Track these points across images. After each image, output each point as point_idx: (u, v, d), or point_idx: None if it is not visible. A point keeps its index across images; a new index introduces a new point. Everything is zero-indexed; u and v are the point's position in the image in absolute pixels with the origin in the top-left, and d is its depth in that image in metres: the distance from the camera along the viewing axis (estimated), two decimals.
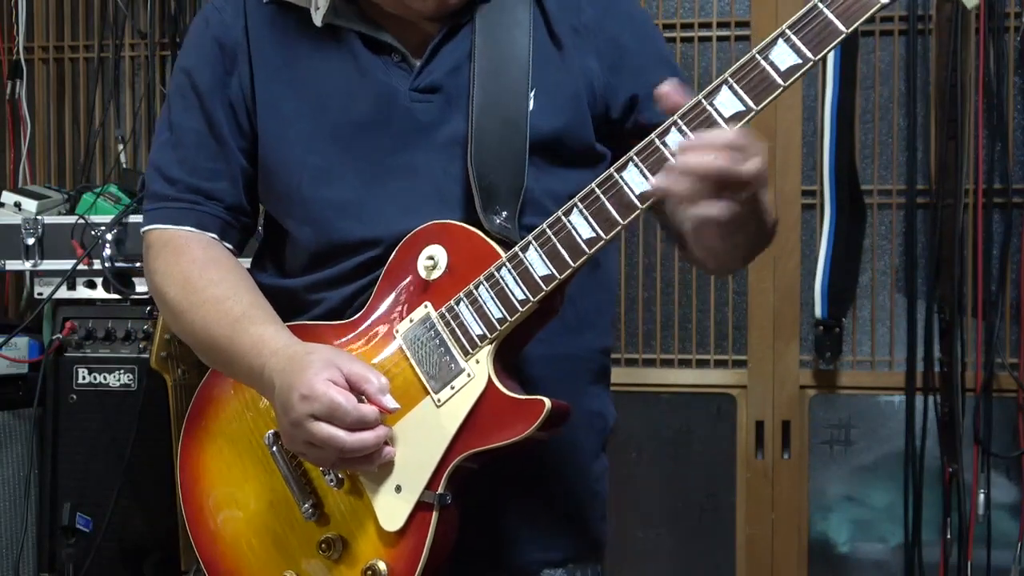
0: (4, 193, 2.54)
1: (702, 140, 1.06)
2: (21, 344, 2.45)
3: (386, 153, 1.30)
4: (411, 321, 1.24)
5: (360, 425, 1.15)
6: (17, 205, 2.49)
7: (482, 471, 1.22)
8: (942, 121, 2.53)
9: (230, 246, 1.39)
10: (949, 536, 2.52)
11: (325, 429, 1.15)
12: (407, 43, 1.33)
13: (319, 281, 1.33)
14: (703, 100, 1.09)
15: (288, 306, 1.33)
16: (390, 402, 1.18)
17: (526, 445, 1.16)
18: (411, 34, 1.33)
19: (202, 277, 1.33)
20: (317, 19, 1.32)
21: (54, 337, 2.37)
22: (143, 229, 1.41)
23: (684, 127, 1.10)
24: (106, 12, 2.95)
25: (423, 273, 1.24)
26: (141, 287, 2.32)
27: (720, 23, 2.68)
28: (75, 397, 2.37)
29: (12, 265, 2.44)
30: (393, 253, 1.27)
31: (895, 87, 2.61)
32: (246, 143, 1.37)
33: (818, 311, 2.58)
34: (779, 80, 1.07)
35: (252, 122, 1.36)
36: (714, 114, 1.09)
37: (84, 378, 2.36)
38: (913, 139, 2.56)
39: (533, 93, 1.29)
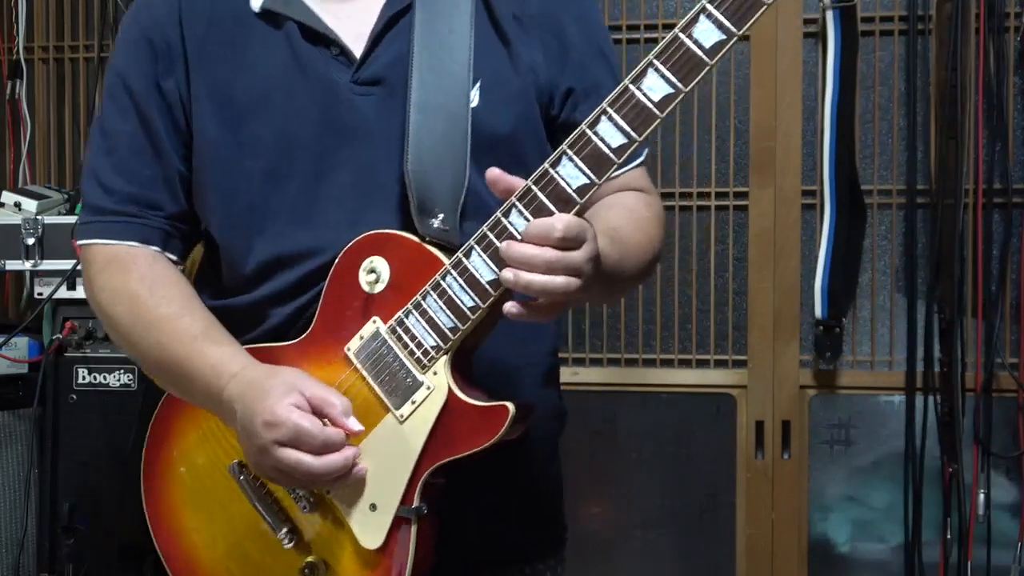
0: (4, 193, 2.54)
1: (533, 232, 1.07)
2: (21, 344, 2.46)
3: (330, 151, 1.26)
4: (361, 338, 1.20)
5: (326, 448, 1.14)
6: (17, 205, 2.49)
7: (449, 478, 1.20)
8: (942, 121, 2.53)
9: (174, 257, 1.34)
10: (949, 536, 2.52)
11: (292, 455, 1.13)
12: (346, 32, 1.27)
13: (265, 298, 1.28)
14: (630, 85, 1.07)
15: (233, 325, 1.28)
16: (354, 424, 1.16)
17: (494, 448, 1.15)
18: (351, 23, 1.28)
19: (153, 295, 1.28)
20: (256, 4, 1.28)
21: (54, 337, 2.37)
22: (81, 242, 1.34)
23: (615, 115, 1.08)
24: (106, 12, 2.95)
25: (366, 287, 1.20)
26: None
27: None
28: (75, 397, 2.37)
29: (12, 265, 2.44)
30: (332, 268, 1.22)
31: (895, 87, 2.61)
32: (184, 147, 1.32)
33: (818, 311, 2.58)
34: (705, 58, 1.05)
35: (190, 124, 1.30)
36: (643, 99, 1.07)
37: (84, 378, 2.36)
38: (913, 139, 2.56)
39: (477, 88, 1.25)
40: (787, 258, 2.63)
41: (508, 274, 1.08)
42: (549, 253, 1.07)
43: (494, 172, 1.11)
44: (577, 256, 1.08)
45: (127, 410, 2.30)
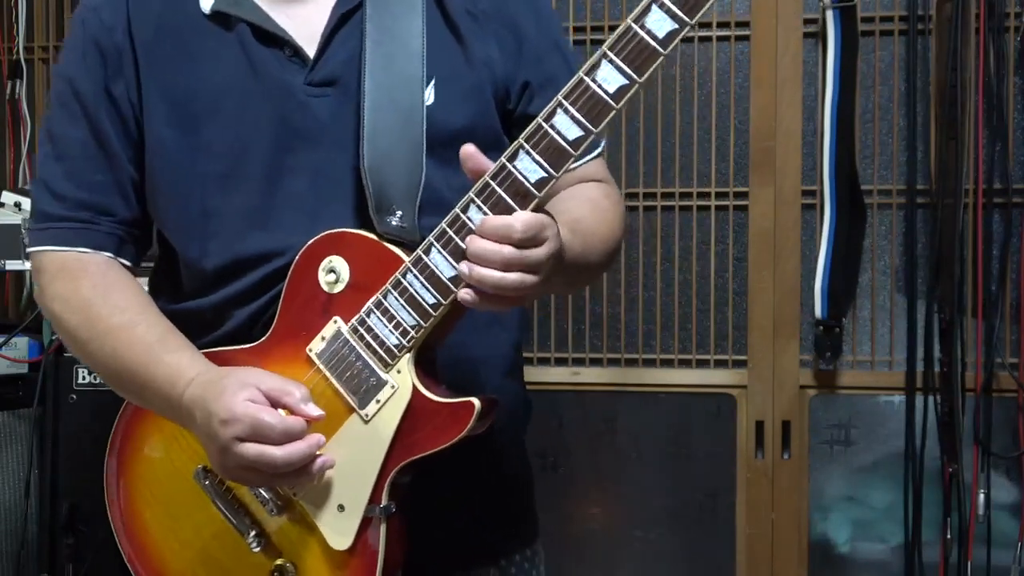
0: (4, 193, 2.54)
1: (493, 228, 1.07)
2: (21, 344, 2.46)
3: (285, 153, 1.24)
4: (323, 339, 1.19)
5: (288, 438, 1.12)
6: (17, 205, 2.49)
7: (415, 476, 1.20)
8: (942, 121, 2.53)
9: (127, 262, 1.32)
10: (949, 536, 2.52)
11: (253, 448, 1.11)
12: (298, 33, 1.26)
13: (225, 300, 1.26)
14: (585, 77, 1.07)
15: (192, 328, 1.27)
16: (313, 410, 1.15)
17: (461, 443, 1.15)
18: (303, 24, 1.26)
19: (106, 303, 1.26)
20: (206, 6, 1.26)
21: (54, 337, 2.37)
22: (31, 250, 1.32)
23: (570, 108, 1.07)
24: None
25: (326, 287, 1.19)
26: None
27: (720, 23, 2.67)
28: (75, 397, 2.37)
29: (12, 265, 2.44)
30: (291, 268, 1.21)
31: (895, 87, 2.61)
32: (135, 152, 1.29)
33: (818, 311, 2.58)
34: (659, 48, 1.05)
35: (141, 129, 1.28)
36: (598, 91, 1.06)
37: (84, 378, 2.36)
38: (913, 139, 2.56)
39: (432, 85, 1.24)
40: (787, 258, 2.63)
41: (464, 267, 1.09)
42: (507, 251, 1.07)
43: (469, 148, 1.10)
44: (536, 254, 1.08)
45: (122, 404, 2.30)
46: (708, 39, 2.68)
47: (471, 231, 1.10)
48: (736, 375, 2.66)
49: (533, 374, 2.71)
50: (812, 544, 2.66)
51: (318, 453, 1.15)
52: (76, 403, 2.37)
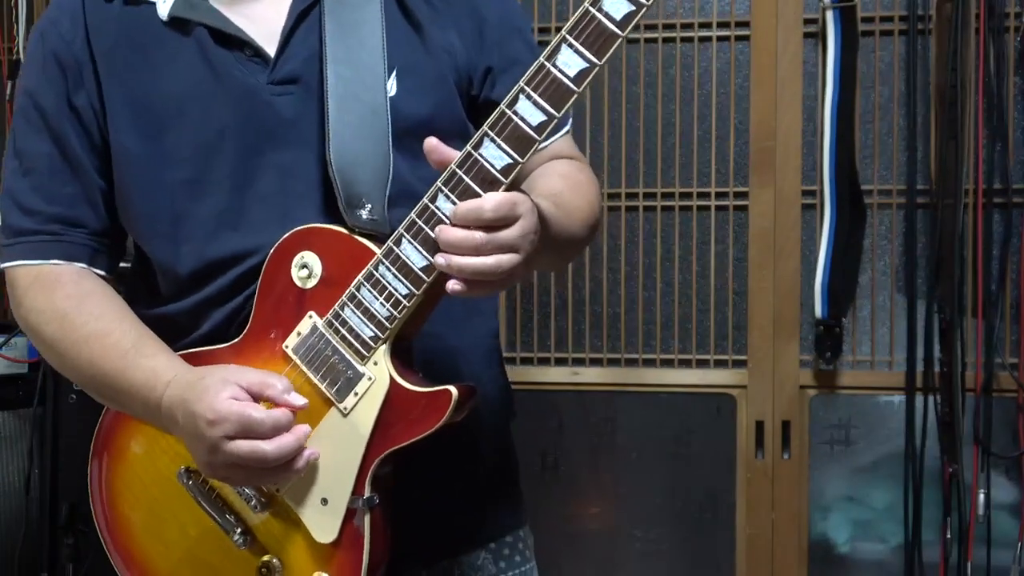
0: None
1: (463, 213, 1.08)
2: (21, 344, 2.46)
3: (252, 154, 1.24)
4: (299, 335, 1.20)
5: (277, 430, 1.12)
6: None
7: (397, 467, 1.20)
8: (942, 121, 2.53)
9: (101, 272, 1.32)
10: (949, 536, 2.52)
11: (244, 445, 1.11)
12: (258, 33, 1.26)
13: (200, 302, 1.26)
14: (546, 63, 1.08)
15: (170, 332, 1.27)
16: (297, 399, 1.15)
17: (441, 431, 1.15)
18: (260, 22, 1.26)
19: (81, 312, 1.26)
20: (163, 12, 1.26)
21: None
22: (4, 266, 1.31)
23: (532, 93, 1.08)
24: None
25: (299, 283, 1.20)
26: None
27: (720, 23, 2.68)
28: (75, 397, 2.37)
29: None
30: (264, 266, 1.21)
31: (895, 87, 2.61)
32: (102, 163, 1.29)
33: (818, 311, 2.58)
34: (617, 30, 1.06)
35: (106, 139, 1.28)
36: (559, 75, 1.07)
37: None
38: (913, 139, 2.56)
39: (393, 76, 1.24)
40: (787, 258, 2.63)
41: (440, 259, 1.09)
42: (478, 236, 1.07)
43: (432, 141, 1.11)
44: (510, 234, 1.08)
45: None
46: (708, 39, 2.69)
47: (441, 220, 1.11)
48: (736, 375, 2.66)
49: (533, 374, 2.71)
50: (812, 544, 2.66)
51: (304, 446, 1.15)
52: (76, 403, 2.37)
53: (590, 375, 2.72)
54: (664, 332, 2.71)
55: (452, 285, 1.09)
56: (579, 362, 2.74)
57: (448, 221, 1.10)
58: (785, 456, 2.63)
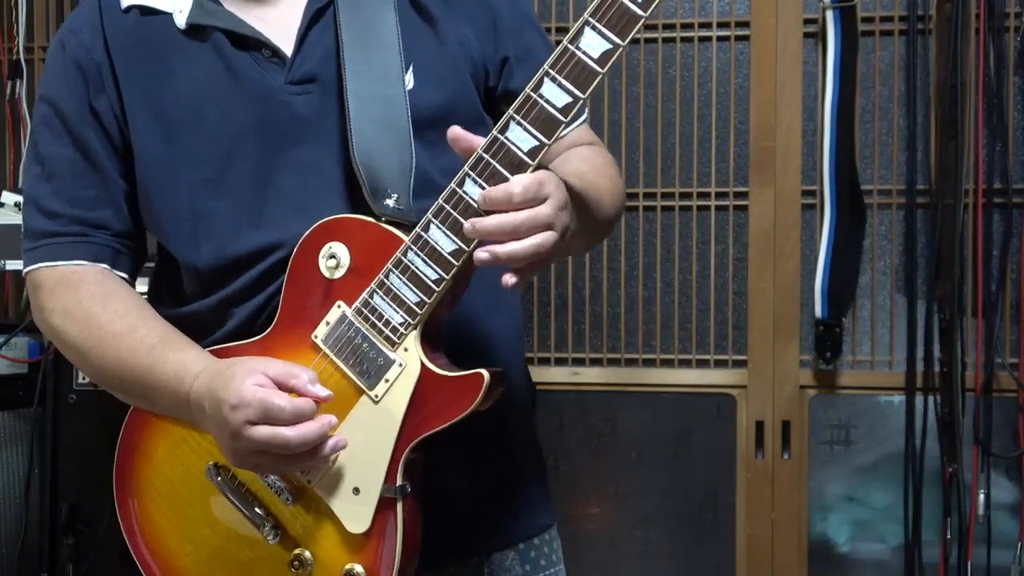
0: (4, 193, 2.54)
1: (493, 198, 1.09)
2: (21, 344, 2.45)
3: (272, 154, 1.26)
4: (328, 324, 1.20)
5: (298, 418, 1.13)
6: (17, 205, 2.49)
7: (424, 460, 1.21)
8: (942, 121, 2.53)
9: (123, 274, 1.34)
10: (949, 536, 2.52)
11: (265, 431, 1.12)
12: (274, 34, 1.28)
13: (224, 299, 1.28)
14: (569, 45, 1.10)
15: (196, 329, 1.28)
16: (321, 390, 1.15)
17: (472, 416, 1.15)
18: (276, 23, 1.29)
19: (105, 311, 1.27)
20: (180, 21, 1.28)
21: None
22: (27, 269, 1.33)
23: (557, 76, 1.10)
24: None
25: (327, 273, 1.21)
26: (142, 287, 2.32)
27: (720, 23, 2.67)
28: (75, 397, 2.37)
29: (12, 265, 2.43)
30: (291, 259, 1.22)
31: (895, 87, 2.61)
32: (124, 166, 1.31)
33: (818, 311, 2.58)
34: (639, 11, 1.08)
35: (128, 142, 1.30)
36: (583, 57, 1.09)
37: (84, 378, 2.36)
38: (913, 139, 2.56)
39: (410, 71, 1.26)
40: (787, 258, 2.63)
41: (483, 254, 1.09)
42: (518, 217, 1.08)
43: (456, 130, 1.13)
44: (544, 210, 1.10)
45: (127, 410, 2.30)
46: (708, 39, 2.69)
47: (469, 205, 1.12)
48: (736, 375, 2.66)
49: (533, 374, 2.69)
50: (812, 544, 2.66)
51: (329, 434, 1.16)
52: (76, 403, 2.37)
53: (590, 375, 2.72)
54: (664, 332, 2.71)
55: (507, 279, 1.10)
56: (579, 362, 2.73)
57: (476, 205, 1.11)
58: (785, 456, 2.63)
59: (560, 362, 2.74)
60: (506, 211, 1.09)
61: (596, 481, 2.76)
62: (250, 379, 1.14)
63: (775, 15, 2.61)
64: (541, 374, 2.71)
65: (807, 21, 2.62)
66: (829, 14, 2.53)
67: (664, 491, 2.72)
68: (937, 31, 2.56)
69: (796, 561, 2.63)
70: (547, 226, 1.10)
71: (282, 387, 1.15)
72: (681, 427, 2.71)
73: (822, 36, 2.57)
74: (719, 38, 2.68)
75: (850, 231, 2.56)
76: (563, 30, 2.67)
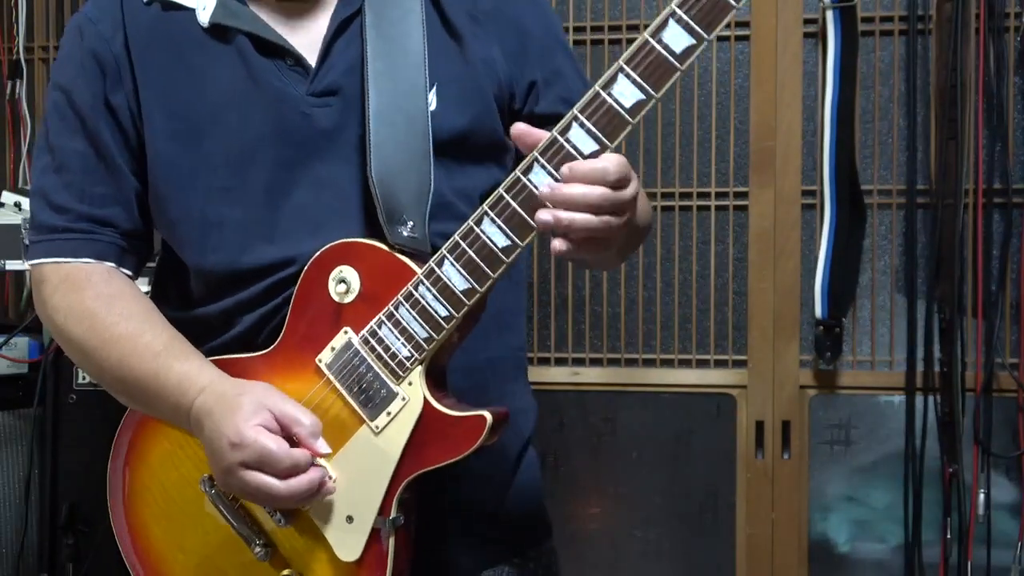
0: (4, 193, 2.54)
1: (586, 172, 1.06)
2: (21, 344, 2.46)
3: (289, 165, 1.23)
4: (333, 349, 1.19)
5: (293, 472, 1.12)
6: (17, 205, 2.49)
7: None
8: (942, 121, 2.53)
9: (128, 272, 1.32)
10: (949, 536, 2.52)
11: (257, 478, 1.12)
12: (299, 42, 1.25)
13: (231, 307, 1.26)
14: (600, 91, 1.06)
15: (201, 332, 1.27)
16: (322, 447, 1.14)
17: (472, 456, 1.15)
18: (302, 32, 1.26)
19: (111, 312, 1.25)
20: (204, 19, 1.25)
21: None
22: (33, 262, 1.31)
23: (585, 121, 1.07)
24: None
25: (336, 297, 1.19)
26: (142, 287, 2.32)
27: None
28: (75, 397, 2.37)
29: (12, 265, 2.43)
30: (300, 278, 1.20)
31: (895, 87, 2.61)
32: (136, 163, 1.28)
33: (818, 311, 2.58)
34: (676, 63, 1.04)
35: (142, 140, 1.27)
36: (614, 105, 1.06)
37: (84, 378, 2.36)
38: (913, 139, 2.56)
39: (434, 91, 1.23)
40: (787, 258, 2.63)
41: (546, 215, 1.06)
42: (599, 191, 1.05)
43: (520, 127, 1.10)
44: (626, 193, 1.08)
45: (127, 410, 2.30)
46: None
47: (484, 243, 1.10)
48: (736, 375, 2.66)
49: (533, 374, 2.68)
50: (812, 544, 2.66)
51: (324, 469, 1.15)
52: (76, 403, 2.36)
53: (590, 375, 2.72)
54: (664, 332, 2.71)
55: (558, 244, 1.07)
56: (579, 362, 2.73)
57: (494, 245, 1.10)
58: (785, 456, 2.63)
59: (560, 362, 2.74)
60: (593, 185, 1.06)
61: (596, 481, 2.76)
62: (255, 418, 1.13)
63: (775, 15, 2.61)
64: (541, 374, 2.71)
65: (807, 21, 2.62)
66: (829, 14, 2.53)
67: (664, 491, 2.72)
68: (937, 31, 2.56)
69: (796, 561, 2.63)
70: (623, 209, 1.08)
71: (284, 430, 1.14)
72: (681, 427, 2.71)
73: (822, 36, 2.57)
74: (719, 38, 2.68)
75: (850, 231, 2.56)
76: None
